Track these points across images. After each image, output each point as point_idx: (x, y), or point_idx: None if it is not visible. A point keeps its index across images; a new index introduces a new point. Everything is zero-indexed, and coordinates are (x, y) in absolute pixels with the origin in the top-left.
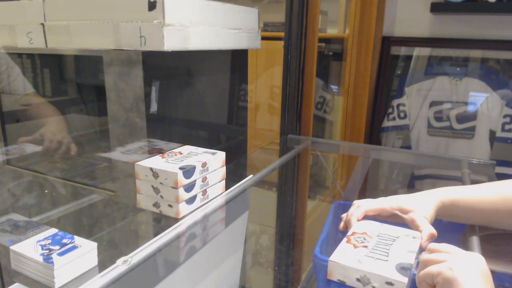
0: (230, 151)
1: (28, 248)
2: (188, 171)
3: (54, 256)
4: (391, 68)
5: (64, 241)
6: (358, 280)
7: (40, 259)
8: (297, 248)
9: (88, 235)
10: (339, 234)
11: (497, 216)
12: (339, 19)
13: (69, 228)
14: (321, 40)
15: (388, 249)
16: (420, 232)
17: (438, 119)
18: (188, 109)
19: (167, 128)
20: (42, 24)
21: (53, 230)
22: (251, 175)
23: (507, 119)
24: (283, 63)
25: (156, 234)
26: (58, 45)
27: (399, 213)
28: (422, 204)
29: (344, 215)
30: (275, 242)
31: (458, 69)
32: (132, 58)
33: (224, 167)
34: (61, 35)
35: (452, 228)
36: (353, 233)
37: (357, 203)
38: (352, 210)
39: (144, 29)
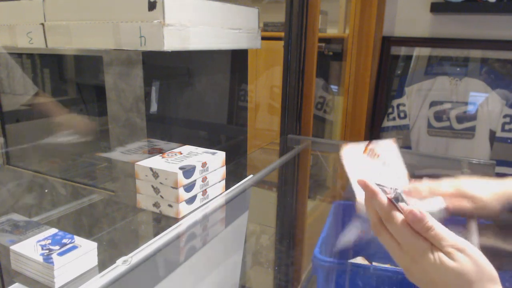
0: (230, 151)
1: (28, 248)
2: (188, 171)
3: (54, 256)
4: (391, 68)
5: (64, 241)
6: None
7: (40, 259)
8: (297, 248)
9: (88, 235)
10: (339, 234)
11: None
12: (339, 19)
13: (69, 228)
14: (321, 40)
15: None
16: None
17: (438, 119)
18: (188, 109)
19: (167, 128)
20: (42, 24)
21: (53, 230)
22: (251, 175)
23: (507, 119)
24: (283, 63)
25: (156, 234)
26: (58, 45)
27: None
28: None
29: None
30: (275, 242)
31: (458, 69)
32: (132, 58)
33: (224, 167)
34: (61, 35)
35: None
36: None
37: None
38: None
39: (144, 29)
